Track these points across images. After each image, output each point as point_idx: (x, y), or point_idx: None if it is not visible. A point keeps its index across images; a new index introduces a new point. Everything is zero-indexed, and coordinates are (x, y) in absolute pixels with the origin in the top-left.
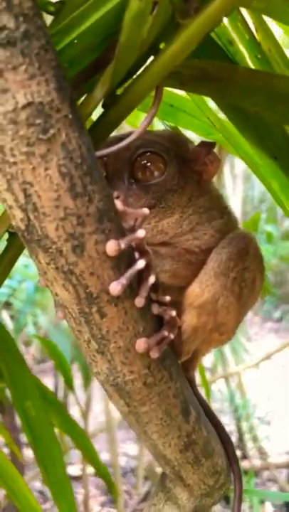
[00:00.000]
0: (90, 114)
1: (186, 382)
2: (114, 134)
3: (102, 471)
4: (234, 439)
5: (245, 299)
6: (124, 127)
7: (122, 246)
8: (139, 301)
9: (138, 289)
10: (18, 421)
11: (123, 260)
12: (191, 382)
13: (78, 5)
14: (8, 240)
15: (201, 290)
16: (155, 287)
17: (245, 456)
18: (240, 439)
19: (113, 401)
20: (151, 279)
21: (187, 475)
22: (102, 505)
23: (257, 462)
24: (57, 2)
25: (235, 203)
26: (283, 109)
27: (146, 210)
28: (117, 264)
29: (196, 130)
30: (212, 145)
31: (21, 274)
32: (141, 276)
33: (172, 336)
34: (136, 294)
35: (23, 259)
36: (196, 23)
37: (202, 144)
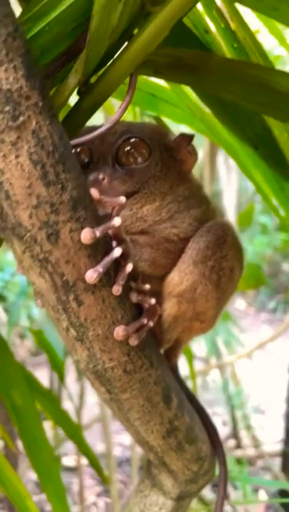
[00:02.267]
0: (65, 102)
1: (168, 369)
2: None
3: (94, 461)
4: (228, 428)
5: (223, 287)
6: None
7: (98, 234)
8: (116, 289)
9: (115, 277)
10: None
11: (99, 248)
12: (174, 370)
13: None
14: None
15: (180, 278)
16: (135, 276)
17: (239, 445)
18: (234, 428)
19: (95, 388)
20: (129, 267)
21: (171, 461)
22: (98, 495)
23: (251, 451)
24: None
25: (230, 195)
26: (260, 98)
27: (122, 199)
28: (93, 252)
29: (177, 119)
30: (191, 137)
31: (14, 268)
32: (118, 264)
33: (151, 324)
34: (113, 282)
35: None
36: (166, 10)
37: (182, 135)
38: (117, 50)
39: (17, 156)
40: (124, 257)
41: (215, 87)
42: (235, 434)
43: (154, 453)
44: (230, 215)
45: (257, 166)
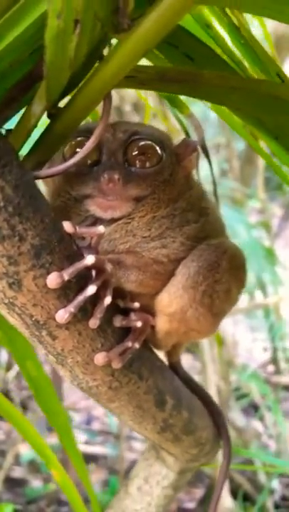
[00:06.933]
0: (32, 128)
1: (164, 372)
2: None
3: None
4: (268, 354)
5: (218, 308)
6: None
7: (66, 278)
8: (93, 323)
9: (93, 309)
10: None
11: (71, 286)
12: (176, 366)
13: None
14: None
15: (169, 301)
16: (122, 294)
17: (278, 371)
18: (274, 354)
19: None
20: (107, 300)
21: (168, 448)
22: None
23: (287, 379)
24: None
25: None
26: (265, 110)
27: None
28: (63, 292)
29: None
30: (196, 145)
31: None
32: (97, 295)
33: (137, 345)
34: (90, 315)
35: None
36: (134, 37)
37: (187, 141)
38: (87, 72)
39: None
40: (103, 288)
41: (211, 98)
42: (274, 360)
43: (152, 441)
44: None
45: (278, 154)
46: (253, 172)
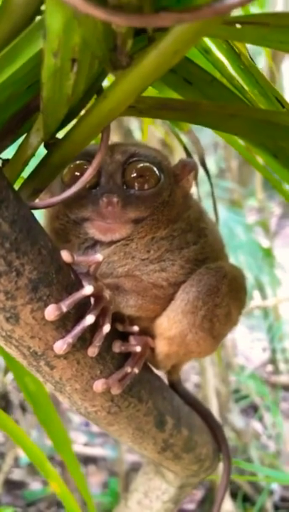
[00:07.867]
0: (29, 159)
1: (164, 392)
2: None
3: None
4: (267, 354)
5: (218, 330)
6: None
7: (64, 310)
8: (92, 352)
9: (92, 337)
10: None
11: (70, 317)
12: (175, 384)
13: None
14: None
15: (169, 325)
16: (121, 318)
17: (276, 371)
18: (273, 354)
19: None
20: (106, 329)
21: (169, 466)
22: None
23: (287, 378)
24: None
25: None
26: (264, 136)
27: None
28: (61, 323)
29: None
30: (195, 165)
31: None
32: (96, 322)
33: (137, 370)
34: (89, 343)
35: None
36: (133, 74)
37: (185, 161)
38: (85, 104)
39: None
40: (102, 315)
41: (210, 125)
42: (273, 360)
43: (152, 460)
44: None
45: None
46: (252, 171)
